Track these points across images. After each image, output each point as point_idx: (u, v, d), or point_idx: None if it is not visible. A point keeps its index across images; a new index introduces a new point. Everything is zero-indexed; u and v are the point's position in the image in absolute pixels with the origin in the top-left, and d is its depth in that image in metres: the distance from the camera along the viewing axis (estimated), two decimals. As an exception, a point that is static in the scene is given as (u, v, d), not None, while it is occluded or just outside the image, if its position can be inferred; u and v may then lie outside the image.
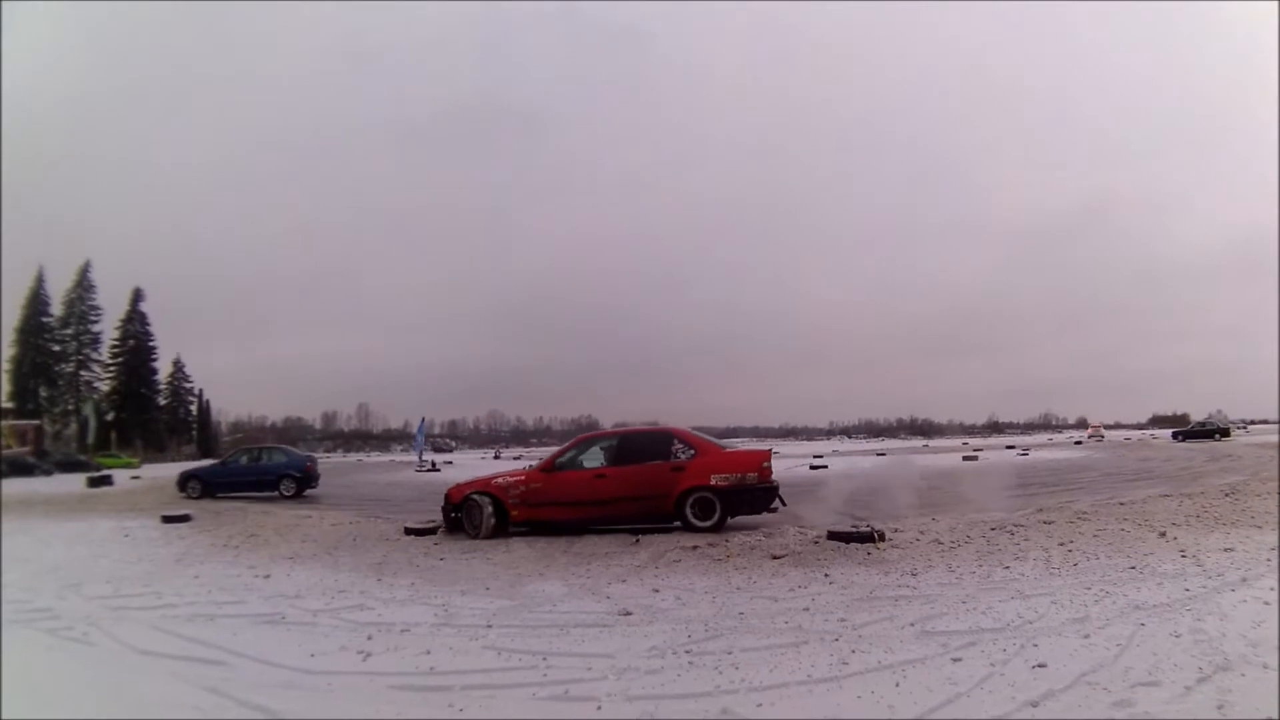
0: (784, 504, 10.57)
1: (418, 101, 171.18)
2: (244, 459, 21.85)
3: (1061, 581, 6.22)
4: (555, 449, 12.18)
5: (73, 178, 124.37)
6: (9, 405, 64.32)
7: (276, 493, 20.03)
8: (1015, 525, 9.04)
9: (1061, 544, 7.82)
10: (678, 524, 10.01)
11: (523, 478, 10.76)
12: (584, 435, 12.29)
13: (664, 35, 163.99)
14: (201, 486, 20.18)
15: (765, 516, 10.40)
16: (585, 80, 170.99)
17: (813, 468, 24.72)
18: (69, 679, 4.62)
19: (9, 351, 68.44)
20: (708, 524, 9.84)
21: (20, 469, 33.84)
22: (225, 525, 12.16)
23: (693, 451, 10.40)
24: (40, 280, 70.84)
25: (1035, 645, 4.48)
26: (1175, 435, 48.11)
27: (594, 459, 10.84)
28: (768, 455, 10.69)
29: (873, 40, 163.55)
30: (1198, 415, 64.81)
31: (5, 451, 41.98)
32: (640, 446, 10.73)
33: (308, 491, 20.60)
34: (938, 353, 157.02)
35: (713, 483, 10.06)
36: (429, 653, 4.82)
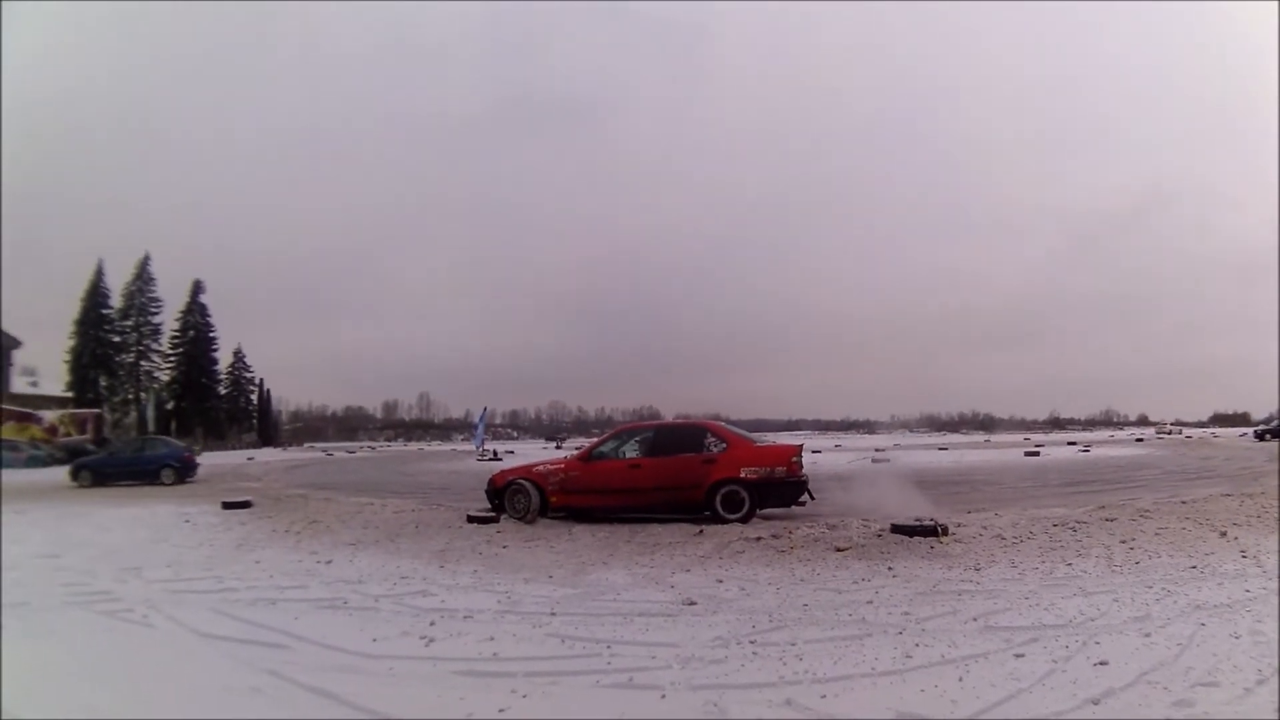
0: (812, 498, 10.83)
1: (471, 94, 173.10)
2: (128, 451, 24.07)
3: (1123, 579, 6.15)
4: (594, 439, 12.37)
5: (132, 171, 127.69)
6: (69, 394, 65.95)
7: (159, 480, 21.67)
8: (1078, 522, 8.89)
9: (1123, 541, 7.70)
10: (708, 514, 10.21)
11: (562, 466, 11.13)
12: (621, 427, 12.70)
13: (708, 31, 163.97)
14: (92, 475, 21.82)
15: (817, 507, 10.57)
16: (635, 73, 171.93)
17: (874, 460, 24.75)
18: (128, 660, 4.68)
19: (68, 343, 70.22)
20: (736, 516, 10.02)
21: (80, 456, 34.80)
22: (286, 512, 12.31)
23: (724, 445, 10.68)
24: (99, 273, 72.49)
25: (1097, 643, 4.43)
26: (1258, 435, 46.20)
27: (631, 450, 11.10)
28: (798, 450, 10.92)
29: (919, 37, 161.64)
30: (1258, 414, 63.38)
31: (66, 439, 42.98)
32: (674, 439, 11.08)
33: (188, 480, 22.32)
34: (997, 346, 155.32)
35: (742, 476, 10.31)
36: (492, 639, 4.85)
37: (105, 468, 22.42)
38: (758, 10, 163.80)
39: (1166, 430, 69.17)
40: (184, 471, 22.53)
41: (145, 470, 22.04)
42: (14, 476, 23.66)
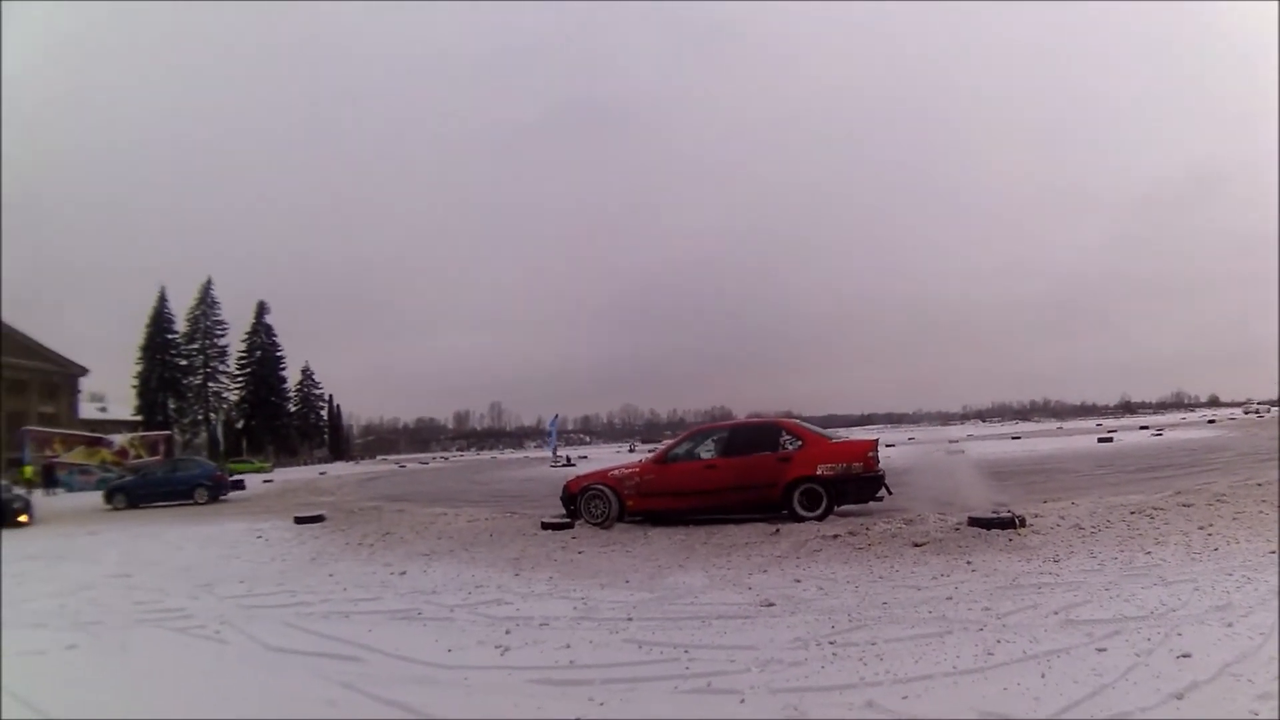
0: (890, 493, 10.66)
1: (527, 101, 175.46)
2: (161, 471, 24.08)
3: (1202, 567, 6.01)
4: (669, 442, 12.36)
5: (192, 193, 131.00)
6: (138, 418, 67.81)
7: (192, 500, 21.89)
8: (1154, 508, 8.70)
9: (1201, 528, 7.54)
10: (784, 513, 10.14)
11: (637, 470, 11.14)
12: (696, 428, 12.61)
13: (760, 29, 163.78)
14: (126, 498, 21.91)
15: (893, 502, 10.55)
16: (691, 75, 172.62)
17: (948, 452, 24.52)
18: (201, 676, 4.76)
19: (135, 368, 72.26)
20: (814, 514, 9.94)
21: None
22: (359, 525, 12.46)
23: (800, 443, 10.57)
24: (162, 299, 74.69)
25: (1179, 634, 4.34)
26: None
27: (706, 451, 11.07)
28: (873, 445, 10.80)
29: (968, 27, 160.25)
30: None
31: (136, 461, 44.08)
32: (749, 438, 10.99)
33: (221, 498, 22.49)
34: (1065, 333, 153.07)
35: (819, 473, 10.21)
36: (569, 646, 4.88)
37: (139, 489, 22.59)
38: (805, 10, 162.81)
39: (1254, 410, 67.28)
40: (217, 490, 22.74)
41: (178, 490, 22.40)
42: (80, 499, 24.16)
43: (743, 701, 3.78)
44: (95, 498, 24.95)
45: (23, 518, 16.69)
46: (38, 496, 25.28)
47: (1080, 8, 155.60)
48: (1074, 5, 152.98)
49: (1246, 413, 63.24)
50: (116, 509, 20.99)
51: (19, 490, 21.85)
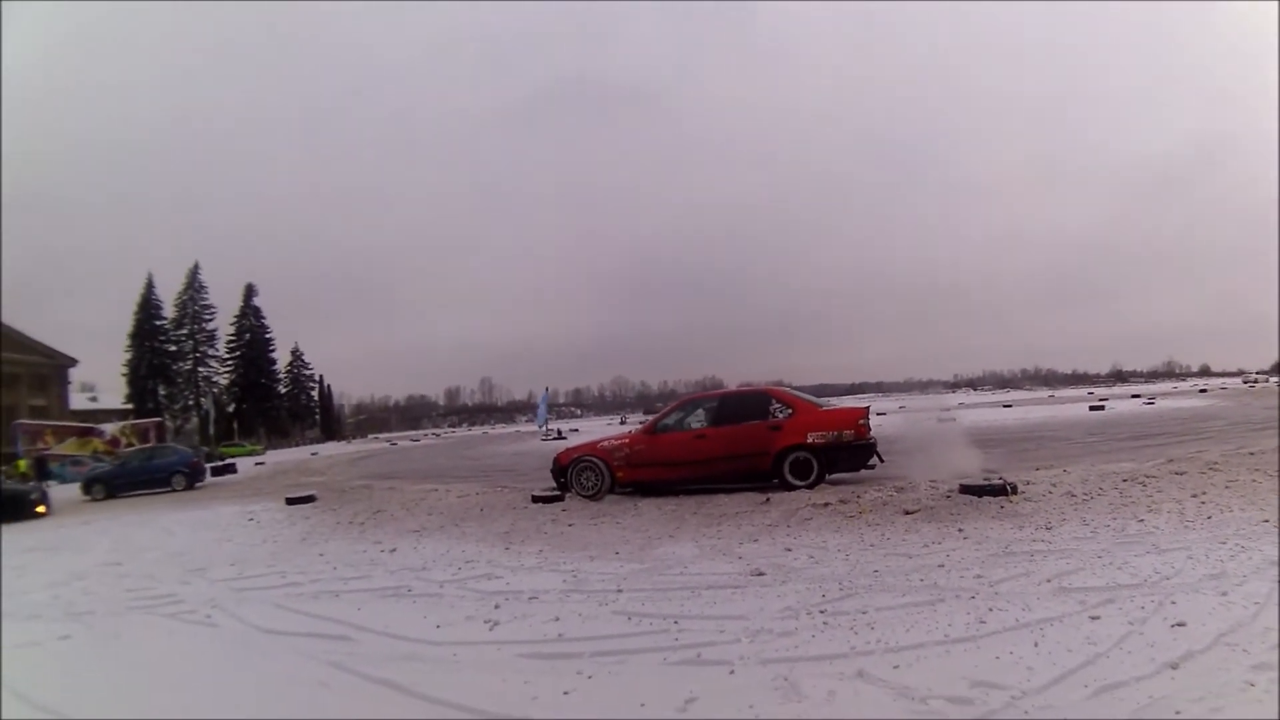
0: (882, 460, 10.66)
1: (522, 83, 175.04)
2: (138, 460, 23.74)
3: (1196, 535, 5.97)
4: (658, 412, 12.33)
5: (179, 179, 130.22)
6: (128, 406, 67.58)
7: (170, 488, 21.80)
8: (1147, 476, 8.66)
9: (1194, 496, 7.48)
10: (775, 481, 10.13)
11: (627, 441, 11.10)
12: (685, 398, 12.50)
13: (763, 8, 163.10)
14: (105, 488, 21.69)
15: (885, 470, 10.57)
16: (690, 56, 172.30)
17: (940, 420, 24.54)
18: (191, 660, 4.72)
19: (124, 356, 72.04)
20: (805, 483, 9.92)
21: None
22: (350, 503, 12.42)
23: (790, 411, 10.52)
24: (150, 286, 74.40)
25: (1173, 603, 4.30)
26: None
27: (696, 421, 11.02)
28: (864, 413, 10.70)
29: (979, 5, 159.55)
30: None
31: (128, 450, 43.95)
32: (739, 407, 10.93)
33: (197, 485, 22.42)
34: (1058, 302, 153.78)
35: (810, 441, 10.18)
36: (558, 619, 4.86)
37: (116, 479, 22.34)
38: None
39: (1251, 380, 68.00)
40: (193, 477, 22.72)
41: (155, 478, 22.23)
42: (72, 490, 23.98)
43: (732, 672, 3.74)
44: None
45: (40, 509, 16.62)
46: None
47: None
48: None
49: (1245, 382, 63.73)
50: (95, 499, 20.79)
51: (32, 483, 21.72)
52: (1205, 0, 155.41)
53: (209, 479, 24.76)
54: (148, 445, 30.93)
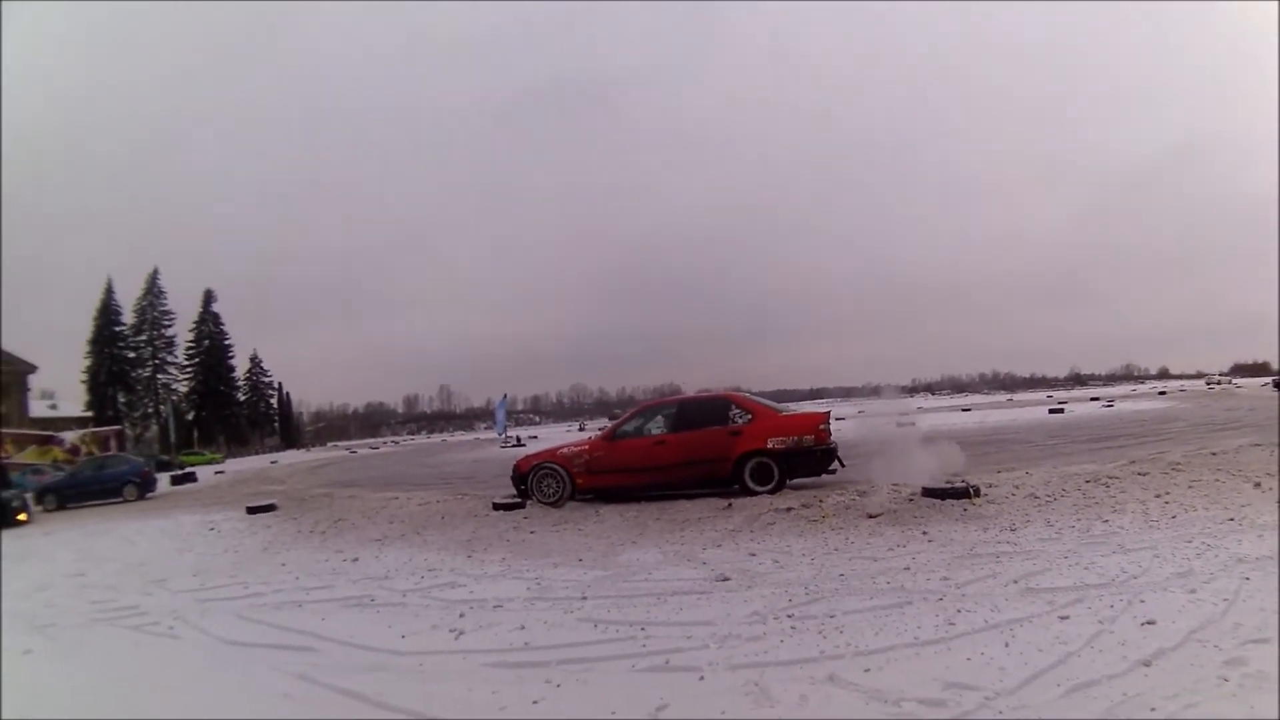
0: (843, 465, 10.64)
1: (484, 86, 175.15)
2: (89, 470, 23.61)
3: (1161, 534, 6.03)
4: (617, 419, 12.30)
5: (139, 181, 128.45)
6: (88, 414, 66.44)
7: (121, 498, 21.49)
8: (1109, 477, 8.76)
9: (1158, 495, 7.58)
10: (736, 487, 10.12)
11: (587, 447, 11.05)
12: (645, 404, 12.44)
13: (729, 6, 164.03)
14: (56, 498, 21.45)
15: (846, 474, 10.51)
16: (661, 55, 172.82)
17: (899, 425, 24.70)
18: (155, 673, 4.62)
19: (84, 363, 70.79)
20: (766, 488, 9.91)
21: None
22: (311, 512, 12.27)
23: (750, 416, 10.50)
24: (109, 291, 73.15)
25: (1142, 601, 4.33)
26: (1277, 385, 45.97)
27: (655, 427, 10.99)
28: (825, 417, 10.72)
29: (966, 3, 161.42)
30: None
31: (87, 459, 43.27)
32: (698, 413, 10.87)
33: (148, 496, 22.06)
34: (1016, 307, 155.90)
35: (770, 446, 10.16)
36: (523, 628, 4.79)
37: (67, 489, 22.00)
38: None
39: (1216, 381, 69.64)
40: (144, 487, 22.28)
41: (107, 489, 21.81)
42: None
43: (702, 678, 3.69)
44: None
45: (22, 516, 16.51)
46: None
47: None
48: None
49: (1208, 384, 65.23)
50: (47, 510, 20.43)
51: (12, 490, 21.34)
52: (1205, 0, 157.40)
53: (169, 488, 24.45)
54: (99, 455, 30.48)
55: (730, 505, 8.93)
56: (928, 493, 8.24)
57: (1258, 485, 7.77)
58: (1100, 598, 4.45)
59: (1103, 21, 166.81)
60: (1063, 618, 4.15)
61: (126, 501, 20.98)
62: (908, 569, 5.53)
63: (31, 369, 62.39)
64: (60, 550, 10.51)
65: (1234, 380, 67.43)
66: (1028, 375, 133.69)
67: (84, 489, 21.82)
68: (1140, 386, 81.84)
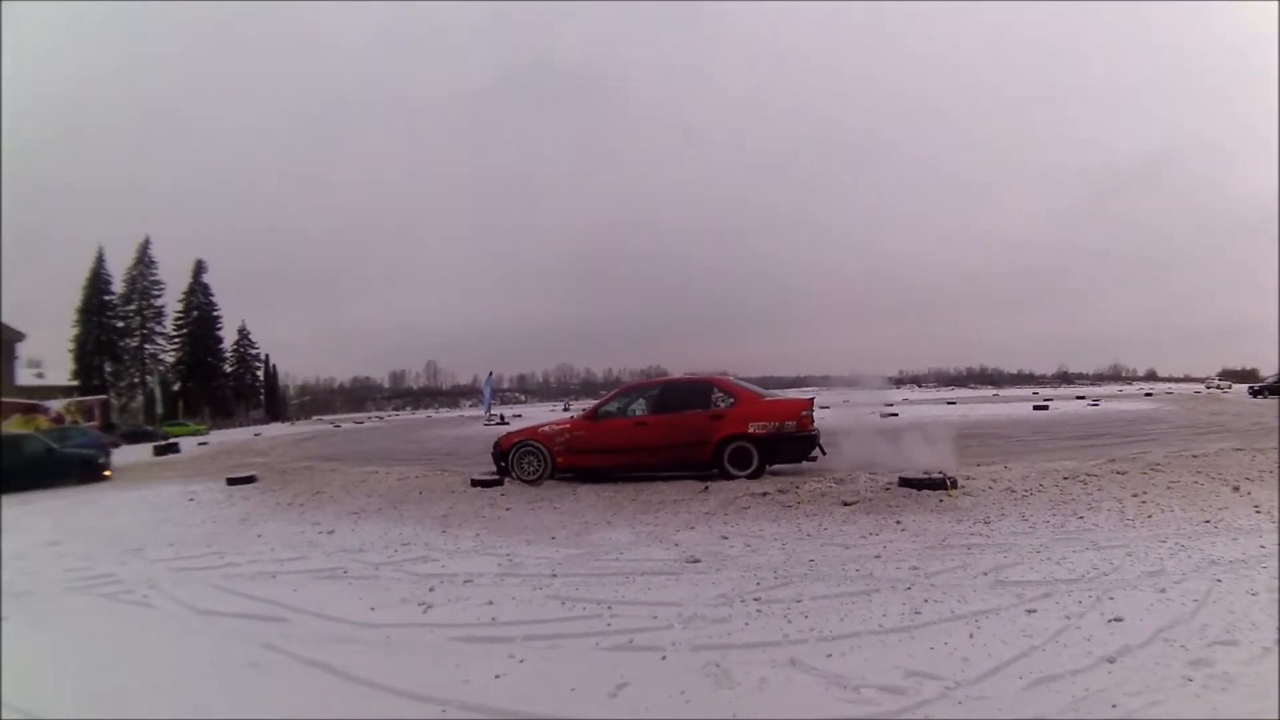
0: (824, 453, 10.67)
1: (475, 71, 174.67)
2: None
3: (1136, 533, 6.03)
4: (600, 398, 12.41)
5: (133, 157, 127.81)
6: (74, 383, 66.11)
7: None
8: (1088, 475, 8.78)
9: (1135, 495, 7.58)
10: (716, 471, 10.13)
11: (568, 426, 11.03)
12: (627, 385, 12.49)
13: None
14: None
15: (827, 463, 10.52)
16: (643, 42, 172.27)
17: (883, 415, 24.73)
18: (127, 642, 4.60)
19: (72, 332, 70.42)
20: (745, 473, 9.93)
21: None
22: (291, 485, 12.23)
23: (732, 400, 10.49)
24: (100, 260, 72.73)
25: (1111, 598, 4.33)
26: (1253, 392, 46.38)
27: (638, 408, 10.99)
28: (808, 404, 10.71)
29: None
30: (1267, 371, 63.99)
31: (72, 427, 43.08)
32: (681, 395, 10.87)
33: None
34: (1006, 304, 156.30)
35: (751, 431, 10.16)
36: (491, 603, 4.79)
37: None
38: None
39: (1216, 386, 70.05)
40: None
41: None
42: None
43: (664, 658, 3.70)
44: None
45: (107, 472, 16.61)
46: None
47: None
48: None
49: (1209, 388, 65.66)
50: None
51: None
52: (1205, 0, 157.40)
53: (152, 458, 24.29)
54: (55, 428, 30.07)
55: (707, 488, 8.94)
56: (905, 483, 8.27)
57: (1236, 489, 7.79)
58: (1069, 593, 4.46)
59: (1103, 21, 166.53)
60: (1030, 611, 4.15)
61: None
62: (878, 557, 5.54)
63: (20, 337, 62.03)
64: (37, 520, 10.44)
65: (1232, 386, 67.61)
66: (1015, 371, 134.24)
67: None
68: (1127, 387, 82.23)
